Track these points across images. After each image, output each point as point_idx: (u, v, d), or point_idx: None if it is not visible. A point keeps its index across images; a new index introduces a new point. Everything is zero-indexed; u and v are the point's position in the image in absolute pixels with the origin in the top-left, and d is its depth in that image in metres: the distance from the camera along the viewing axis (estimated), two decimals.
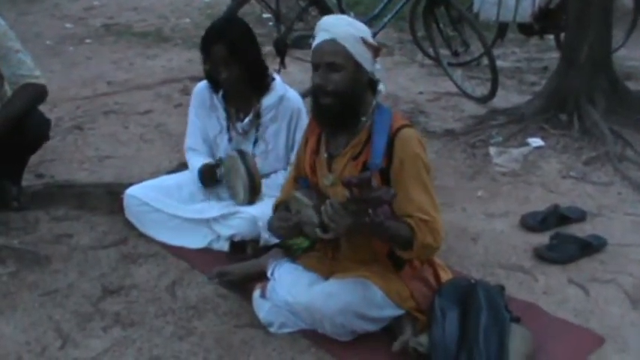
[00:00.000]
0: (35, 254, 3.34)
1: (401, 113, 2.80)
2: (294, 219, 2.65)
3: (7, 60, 3.52)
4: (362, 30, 2.57)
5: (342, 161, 2.63)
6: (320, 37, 2.56)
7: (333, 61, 2.51)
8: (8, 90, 3.63)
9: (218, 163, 3.48)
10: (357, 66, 2.53)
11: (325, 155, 2.71)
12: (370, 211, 2.24)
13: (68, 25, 8.20)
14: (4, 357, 2.68)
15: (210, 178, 3.50)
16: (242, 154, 3.36)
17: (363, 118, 2.60)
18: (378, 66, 2.61)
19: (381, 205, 2.23)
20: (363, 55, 2.53)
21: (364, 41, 2.53)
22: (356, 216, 2.30)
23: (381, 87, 2.63)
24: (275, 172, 3.50)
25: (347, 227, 2.36)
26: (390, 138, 2.53)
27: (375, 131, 2.57)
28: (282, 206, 2.79)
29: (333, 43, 2.51)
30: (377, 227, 2.37)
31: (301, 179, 2.84)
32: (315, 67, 2.57)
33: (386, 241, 2.57)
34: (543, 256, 3.32)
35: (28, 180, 3.95)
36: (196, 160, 3.54)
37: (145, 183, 3.63)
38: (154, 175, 3.96)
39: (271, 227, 2.81)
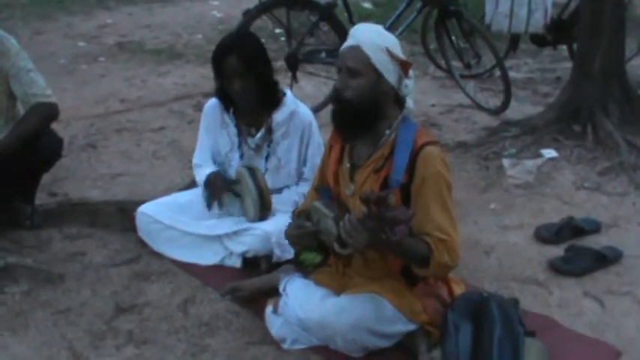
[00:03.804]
0: (48, 273, 3.34)
1: (427, 129, 2.78)
2: (310, 226, 2.63)
3: (20, 79, 3.55)
4: (389, 41, 2.56)
5: (364, 173, 2.63)
6: (347, 42, 2.58)
7: (352, 66, 2.51)
8: (21, 109, 3.66)
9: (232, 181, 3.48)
10: (378, 76, 2.52)
11: (348, 165, 2.70)
12: (387, 229, 2.23)
13: (81, 44, 8.25)
14: None
15: (218, 186, 3.47)
16: (251, 170, 3.36)
17: (387, 132, 2.58)
18: (408, 82, 2.59)
19: (398, 224, 2.22)
20: (385, 66, 2.52)
21: (389, 52, 2.53)
22: (373, 233, 2.28)
23: (409, 103, 2.61)
24: (287, 187, 3.50)
25: (364, 243, 2.34)
26: (413, 154, 2.52)
27: (398, 147, 2.55)
28: (302, 215, 2.78)
29: (356, 50, 2.52)
30: (394, 245, 2.36)
31: (323, 189, 2.83)
32: (338, 70, 2.59)
33: (403, 258, 2.56)
34: (558, 268, 3.29)
35: (41, 198, 3.96)
36: (203, 174, 3.54)
37: (157, 200, 3.63)
38: (166, 192, 3.96)
39: (287, 234, 2.79)
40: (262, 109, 3.42)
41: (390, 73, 2.54)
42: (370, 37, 2.54)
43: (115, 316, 3.04)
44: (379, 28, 2.66)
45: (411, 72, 2.61)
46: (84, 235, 3.71)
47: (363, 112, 2.54)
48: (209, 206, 3.49)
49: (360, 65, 2.51)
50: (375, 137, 2.61)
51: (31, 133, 3.49)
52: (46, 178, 3.95)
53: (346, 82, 2.53)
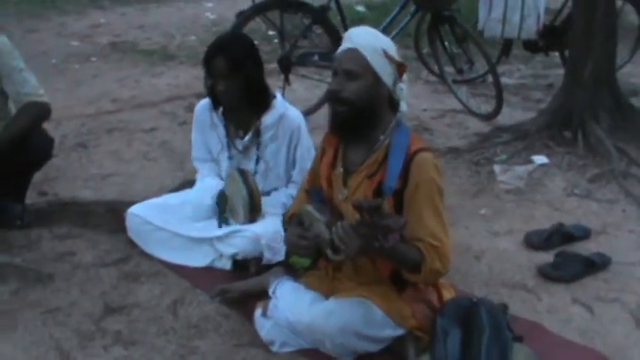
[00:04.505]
0: (37, 272, 3.33)
1: (419, 135, 2.78)
2: (311, 236, 2.62)
3: (11, 78, 3.54)
4: (386, 43, 2.56)
5: (358, 178, 2.62)
6: (343, 45, 2.57)
7: (350, 68, 2.50)
8: (12, 108, 3.65)
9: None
10: (376, 78, 2.52)
11: (341, 170, 2.69)
12: (380, 236, 2.23)
13: (74, 43, 8.24)
14: None
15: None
16: (242, 172, 3.36)
17: (381, 137, 2.58)
18: (402, 85, 2.59)
19: (391, 232, 2.22)
20: (383, 68, 2.52)
21: (386, 54, 2.53)
22: (365, 239, 2.28)
23: (403, 107, 2.61)
24: (276, 189, 3.50)
25: (357, 250, 2.34)
26: (407, 160, 2.52)
27: (391, 152, 2.55)
28: (294, 219, 2.76)
29: (353, 52, 2.51)
30: (386, 252, 2.36)
31: (314, 192, 2.82)
32: (334, 73, 2.57)
33: (394, 263, 2.56)
34: (547, 274, 3.30)
35: (31, 198, 3.94)
36: (202, 181, 3.57)
37: (147, 201, 3.62)
38: (157, 193, 3.95)
39: (287, 242, 2.77)
40: (250, 111, 3.42)
41: (387, 75, 2.54)
42: (367, 40, 2.54)
43: (103, 317, 3.03)
44: (375, 30, 2.66)
45: (404, 76, 2.61)
46: (74, 235, 3.70)
47: (360, 115, 2.54)
48: (220, 224, 3.49)
49: (358, 67, 2.50)
50: (368, 142, 2.61)
51: (22, 133, 3.49)
52: (36, 177, 3.94)
53: (343, 84, 2.52)
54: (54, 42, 8.28)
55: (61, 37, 8.57)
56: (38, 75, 3.74)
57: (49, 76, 6.40)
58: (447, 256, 2.51)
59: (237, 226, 3.38)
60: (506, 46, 6.46)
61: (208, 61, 3.29)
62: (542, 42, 6.25)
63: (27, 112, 3.53)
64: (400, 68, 2.58)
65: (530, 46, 6.49)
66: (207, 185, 3.59)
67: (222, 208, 3.50)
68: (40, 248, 3.57)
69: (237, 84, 3.27)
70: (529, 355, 2.55)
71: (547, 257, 3.44)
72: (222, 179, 3.57)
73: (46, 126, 3.78)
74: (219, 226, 3.46)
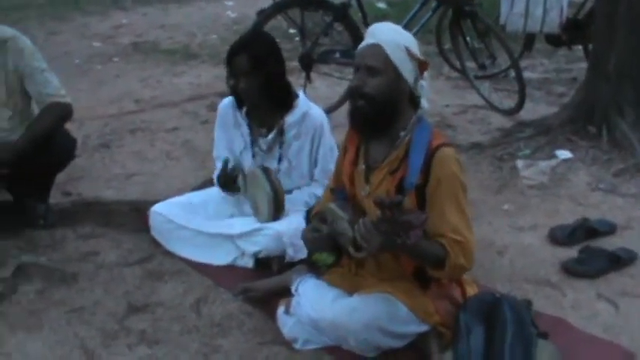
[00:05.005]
0: (62, 272, 3.36)
1: (440, 130, 2.77)
2: (326, 229, 2.62)
3: (34, 79, 3.57)
4: (408, 40, 2.55)
5: (380, 175, 2.62)
6: (365, 40, 2.56)
7: (372, 64, 2.49)
8: (35, 109, 3.68)
9: (236, 173, 3.47)
10: (397, 75, 2.51)
11: (363, 167, 2.69)
12: (401, 233, 2.22)
13: (96, 44, 8.29)
14: None
15: (228, 183, 3.49)
16: (265, 170, 3.36)
17: (402, 133, 2.57)
18: (423, 82, 2.58)
19: (412, 229, 2.21)
20: (404, 65, 2.51)
21: (408, 51, 2.51)
22: (387, 236, 2.27)
23: (424, 103, 2.60)
24: (298, 188, 3.50)
25: (378, 247, 2.34)
26: (429, 156, 2.51)
27: (413, 148, 2.54)
28: (317, 217, 2.76)
29: (375, 48, 2.50)
30: (408, 248, 2.36)
31: (338, 191, 2.82)
32: (356, 68, 2.56)
33: (418, 260, 2.55)
34: (572, 270, 3.27)
35: (55, 198, 3.98)
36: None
37: (170, 200, 3.64)
38: (179, 192, 3.96)
39: (303, 237, 2.78)
40: (273, 110, 3.42)
41: (408, 72, 2.53)
42: (390, 36, 2.53)
43: (127, 316, 3.05)
44: (398, 27, 2.65)
45: (425, 73, 2.60)
46: (97, 235, 3.72)
47: (381, 111, 2.53)
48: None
49: (379, 64, 2.49)
50: (390, 138, 2.60)
51: (45, 133, 3.52)
52: (60, 177, 3.97)
53: (364, 80, 2.51)
54: (76, 43, 8.34)
55: (83, 38, 8.62)
56: (61, 76, 3.78)
57: (71, 76, 6.45)
58: (471, 251, 2.50)
59: (260, 224, 3.38)
60: (529, 40, 6.41)
61: (230, 59, 3.29)
62: (565, 36, 6.19)
63: (49, 112, 3.56)
64: (422, 65, 2.57)
65: (553, 40, 6.43)
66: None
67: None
68: (64, 248, 3.60)
69: (259, 81, 3.27)
70: (553, 352, 2.54)
71: (571, 252, 3.42)
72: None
73: (69, 126, 3.82)
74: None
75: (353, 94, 2.57)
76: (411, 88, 2.56)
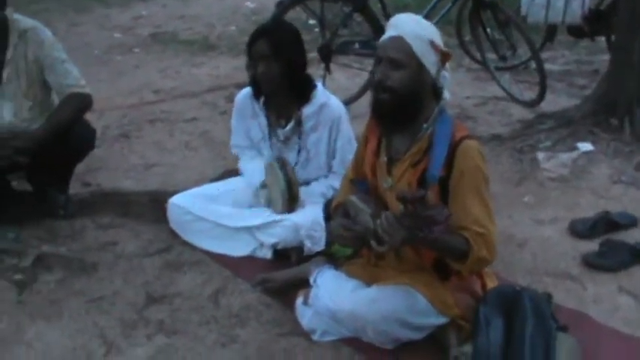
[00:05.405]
0: (82, 262, 3.37)
1: (461, 123, 2.75)
2: (358, 228, 2.58)
3: (54, 70, 3.58)
4: (432, 32, 2.52)
5: (402, 167, 2.60)
6: (388, 32, 2.53)
7: (395, 57, 2.47)
8: (55, 99, 3.69)
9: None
10: (420, 67, 2.48)
11: (385, 159, 2.67)
12: (424, 227, 2.21)
13: (117, 35, 8.31)
14: None
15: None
16: (281, 162, 3.36)
17: (425, 125, 2.55)
18: (445, 73, 2.56)
19: (435, 224, 2.19)
20: (428, 57, 2.48)
21: (432, 44, 2.49)
22: (410, 230, 2.26)
23: (446, 95, 2.58)
24: (316, 179, 3.49)
25: (401, 241, 2.32)
26: (452, 148, 2.49)
27: (435, 140, 2.52)
28: (340, 209, 2.75)
29: (398, 40, 2.48)
30: (431, 242, 2.35)
31: (359, 182, 2.81)
32: (378, 61, 2.53)
33: (440, 253, 2.54)
34: (593, 263, 3.25)
35: (74, 188, 3.99)
36: (249, 164, 3.58)
37: (189, 191, 3.64)
38: (198, 182, 3.96)
39: (333, 233, 2.75)
40: (291, 100, 3.41)
41: (431, 64, 2.50)
42: (413, 28, 2.49)
43: (146, 306, 3.06)
44: (420, 18, 2.62)
45: (447, 64, 2.58)
46: (116, 225, 3.73)
47: (404, 104, 2.51)
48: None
49: (402, 56, 2.47)
50: (412, 130, 2.58)
51: (65, 124, 3.53)
52: (79, 168, 3.98)
53: (387, 73, 2.48)
54: (97, 34, 8.36)
55: (103, 29, 8.65)
56: (81, 66, 3.79)
57: (91, 67, 6.46)
58: (494, 243, 2.48)
59: (278, 215, 3.37)
60: (550, 31, 6.36)
61: (251, 45, 3.29)
62: (587, 27, 6.13)
63: (69, 103, 3.57)
64: (444, 57, 2.54)
65: (575, 31, 6.37)
66: (252, 172, 3.58)
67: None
68: (83, 238, 3.61)
69: (278, 68, 3.25)
70: (574, 345, 2.52)
71: (592, 246, 3.39)
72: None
73: (89, 117, 3.82)
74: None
75: (376, 87, 2.54)
76: (434, 80, 2.54)
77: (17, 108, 3.58)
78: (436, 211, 2.19)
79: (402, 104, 2.50)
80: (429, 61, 2.49)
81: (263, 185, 3.49)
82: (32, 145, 3.41)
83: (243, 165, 3.66)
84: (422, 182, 2.51)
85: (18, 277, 3.25)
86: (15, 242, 3.51)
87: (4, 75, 3.53)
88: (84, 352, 2.77)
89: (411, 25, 2.52)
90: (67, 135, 3.52)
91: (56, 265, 3.35)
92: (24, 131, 3.50)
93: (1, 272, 3.29)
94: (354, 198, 2.63)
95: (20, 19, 3.57)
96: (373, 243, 2.43)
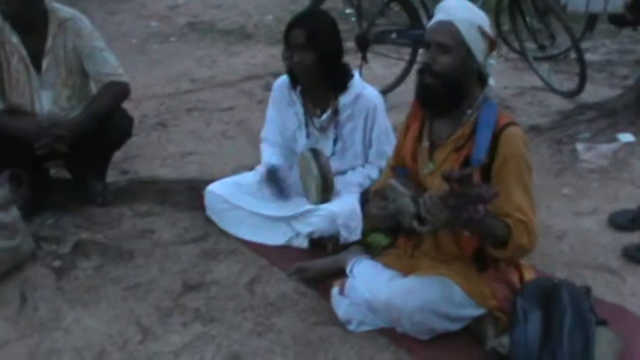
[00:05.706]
0: (119, 249, 3.41)
1: (505, 111, 2.72)
2: (392, 207, 2.59)
3: (92, 58, 3.61)
4: (481, 18, 2.49)
5: (444, 152, 2.58)
6: (437, 17, 2.50)
7: (444, 41, 2.44)
8: (93, 88, 3.72)
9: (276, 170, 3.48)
10: (468, 53, 2.45)
11: (427, 144, 2.65)
12: (469, 207, 2.19)
13: (154, 24, 8.36)
14: (88, 349, 2.75)
15: (271, 180, 3.49)
16: (315, 152, 3.35)
17: (469, 111, 2.52)
18: (491, 60, 2.53)
19: (482, 202, 2.17)
20: (476, 44, 2.46)
21: (481, 30, 2.46)
22: (455, 211, 2.24)
23: (491, 81, 2.55)
24: (352, 169, 3.47)
25: (445, 221, 2.31)
26: (495, 135, 2.46)
27: (480, 126, 2.49)
28: (378, 194, 2.74)
29: (448, 25, 2.45)
30: (475, 224, 2.31)
31: (399, 168, 2.79)
32: (427, 45, 2.51)
33: (481, 237, 2.51)
34: (632, 256, 3.19)
35: (112, 176, 4.03)
36: (268, 154, 3.56)
37: (225, 180, 3.65)
38: (235, 171, 3.97)
39: (367, 214, 2.76)
40: (327, 89, 3.39)
41: (479, 50, 2.47)
42: (463, 13, 2.46)
43: (182, 294, 3.08)
44: (469, 3, 2.57)
45: (494, 51, 2.54)
46: (153, 213, 3.76)
47: (450, 89, 2.48)
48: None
49: (451, 41, 2.44)
50: (455, 115, 2.55)
51: (103, 112, 3.55)
52: (117, 156, 4.02)
53: (435, 58, 2.46)
54: (134, 23, 8.42)
55: (140, 18, 8.70)
56: (118, 55, 3.81)
57: (129, 56, 6.52)
58: (534, 232, 2.45)
59: (313, 206, 3.37)
60: (591, 20, 6.26)
61: (287, 33, 3.28)
62: (630, 16, 6.00)
63: (107, 91, 3.60)
64: (492, 44, 2.51)
65: (617, 20, 6.24)
66: (269, 156, 3.58)
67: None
68: (120, 226, 3.64)
69: (313, 57, 3.22)
70: (613, 339, 2.48)
71: (632, 238, 3.34)
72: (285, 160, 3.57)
73: (126, 105, 3.85)
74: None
75: (422, 72, 2.52)
76: (480, 66, 2.51)
77: (56, 97, 3.62)
78: (483, 189, 2.16)
79: (448, 89, 2.48)
80: (477, 47, 2.46)
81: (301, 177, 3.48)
82: (71, 134, 3.43)
83: (264, 152, 3.64)
84: (464, 168, 2.48)
85: (56, 263, 3.30)
86: (53, 229, 3.56)
87: (44, 64, 3.56)
88: (120, 339, 2.79)
89: (461, 9, 2.48)
90: (105, 123, 3.55)
91: (94, 252, 3.39)
92: (63, 120, 3.52)
93: (40, 259, 3.34)
94: (393, 182, 2.61)
95: (59, 9, 3.59)
96: (415, 223, 2.41)
